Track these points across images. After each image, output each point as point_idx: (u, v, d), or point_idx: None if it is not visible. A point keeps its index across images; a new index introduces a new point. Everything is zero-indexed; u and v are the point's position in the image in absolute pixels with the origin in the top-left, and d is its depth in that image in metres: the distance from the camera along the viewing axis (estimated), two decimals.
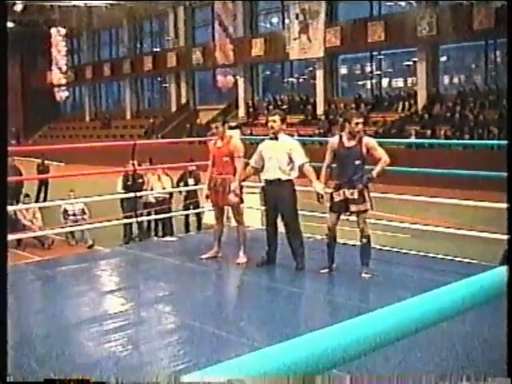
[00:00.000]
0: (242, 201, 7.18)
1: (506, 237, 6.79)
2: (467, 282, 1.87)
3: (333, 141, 6.52)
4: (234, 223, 7.45)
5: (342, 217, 6.51)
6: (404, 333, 1.64)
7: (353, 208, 6.28)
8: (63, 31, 38.30)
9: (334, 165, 6.49)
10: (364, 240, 6.35)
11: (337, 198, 6.30)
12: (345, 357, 1.48)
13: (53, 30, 38.02)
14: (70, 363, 4.18)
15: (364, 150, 6.26)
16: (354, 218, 6.44)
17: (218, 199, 7.14)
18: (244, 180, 7.20)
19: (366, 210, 6.30)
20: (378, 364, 3.78)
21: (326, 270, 6.46)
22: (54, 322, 5.18)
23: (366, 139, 6.42)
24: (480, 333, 4.54)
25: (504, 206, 7.25)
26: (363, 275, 6.25)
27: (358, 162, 6.25)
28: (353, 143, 6.28)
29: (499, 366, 3.66)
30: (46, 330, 5.00)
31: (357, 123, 6.27)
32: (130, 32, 42.59)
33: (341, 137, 6.41)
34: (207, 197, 7.39)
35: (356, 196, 6.22)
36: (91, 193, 10.45)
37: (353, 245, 7.18)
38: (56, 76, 38.79)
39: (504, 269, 1.95)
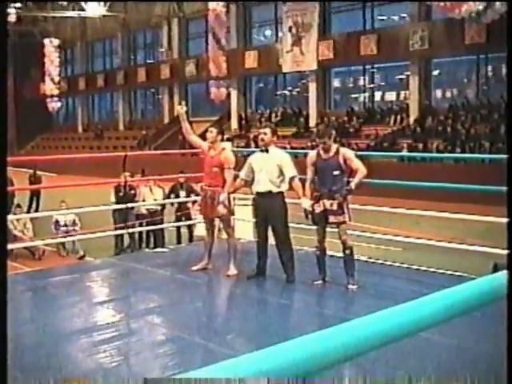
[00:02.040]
0: (231, 213, 7.19)
1: (495, 250, 6.84)
2: (466, 286, 1.89)
3: (311, 155, 6.61)
4: (225, 235, 7.45)
5: (334, 230, 6.54)
6: (400, 335, 1.66)
7: (332, 219, 6.33)
8: (56, 42, 38.34)
9: (315, 177, 6.56)
10: (347, 251, 6.40)
11: (317, 210, 6.35)
12: (336, 359, 1.50)
13: (46, 41, 38.06)
14: (58, 374, 4.17)
15: (341, 161, 6.34)
16: (334, 229, 6.48)
17: (207, 211, 7.14)
18: (234, 192, 7.23)
19: (344, 222, 6.35)
20: (372, 368, 3.79)
21: (319, 282, 6.49)
22: (43, 333, 5.16)
23: (343, 150, 6.53)
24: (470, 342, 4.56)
25: (494, 219, 7.30)
26: (350, 286, 6.30)
27: (336, 173, 6.32)
28: (330, 155, 6.37)
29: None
30: (35, 341, 4.98)
31: (319, 143, 6.49)
32: (124, 43, 42.69)
33: (318, 150, 6.50)
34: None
35: (335, 207, 6.28)
36: (83, 204, 10.43)
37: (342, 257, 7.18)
38: (49, 87, 38.79)
39: (504, 274, 1.97)
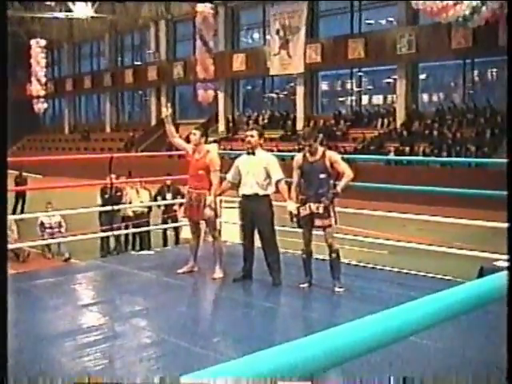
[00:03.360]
0: (217, 215, 7.17)
1: (482, 254, 6.86)
2: (467, 287, 1.88)
3: (298, 158, 6.60)
4: (211, 238, 7.42)
5: (320, 232, 6.53)
6: (392, 339, 1.66)
7: (318, 222, 6.32)
8: (43, 42, 38.09)
9: (301, 180, 6.54)
10: (333, 255, 6.39)
11: (303, 213, 6.34)
12: (332, 362, 1.48)
13: (32, 42, 37.81)
14: (42, 378, 4.12)
15: (328, 164, 6.32)
16: (321, 232, 6.47)
17: (192, 214, 7.11)
18: (220, 195, 7.21)
19: (330, 225, 6.33)
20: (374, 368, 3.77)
21: (306, 285, 6.47)
22: (27, 337, 5.10)
23: (330, 153, 6.51)
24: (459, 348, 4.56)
25: (481, 223, 7.32)
26: (336, 289, 6.30)
27: (322, 176, 6.30)
28: (316, 158, 6.36)
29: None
30: (19, 344, 4.92)
31: (304, 145, 6.44)
32: (111, 45, 42.59)
33: (305, 153, 6.48)
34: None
35: (321, 210, 6.26)
36: (69, 206, 10.37)
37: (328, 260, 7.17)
38: (35, 88, 38.53)
39: (504, 274, 1.96)
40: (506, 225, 6.60)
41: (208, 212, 6.84)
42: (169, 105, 7.83)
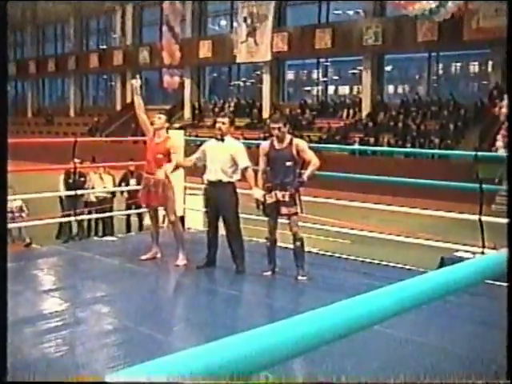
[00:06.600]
0: (173, 201, 7.07)
1: (443, 244, 6.97)
2: (428, 277, 1.91)
3: (264, 145, 6.59)
4: None
5: (284, 220, 6.54)
6: (355, 328, 1.67)
7: (283, 210, 6.33)
8: None
9: (267, 168, 6.53)
10: (297, 243, 6.41)
11: (269, 200, 6.34)
12: (294, 352, 1.48)
13: None
14: None
15: (294, 152, 6.32)
16: (285, 220, 6.48)
17: (150, 200, 7.04)
18: (177, 168, 7.06)
19: (296, 213, 6.35)
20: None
21: (269, 273, 6.49)
22: None
23: (296, 141, 6.51)
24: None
25: (443, 214, 7.43)
26: (299, 278, 6.32)
27: (288, 164, 6.30)
28: (283, 145, 6.36)
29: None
30: None
31: (273, 128, 6.38)
32: (77, 28, 41.92)
33: (272, 141, 6.48)
34: None
35: (287, 198, 6.28)
36: (31, 190, 10.21)
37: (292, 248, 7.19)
38: None
39: (464, 265, 1.99)
40: (466, 216, 6.72)
41: (161, 174, 6.74)
42: (137, 76, 7.73)
